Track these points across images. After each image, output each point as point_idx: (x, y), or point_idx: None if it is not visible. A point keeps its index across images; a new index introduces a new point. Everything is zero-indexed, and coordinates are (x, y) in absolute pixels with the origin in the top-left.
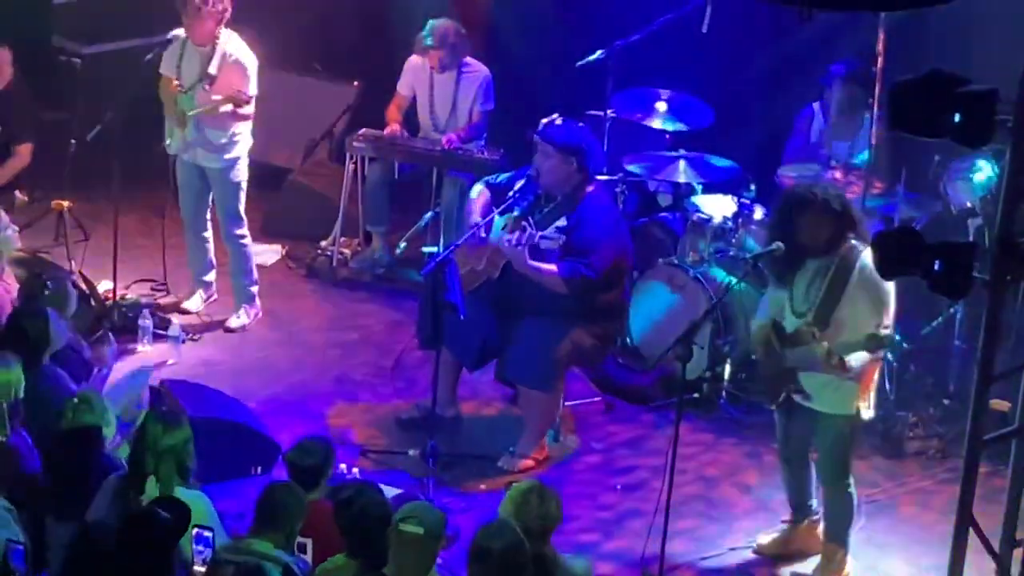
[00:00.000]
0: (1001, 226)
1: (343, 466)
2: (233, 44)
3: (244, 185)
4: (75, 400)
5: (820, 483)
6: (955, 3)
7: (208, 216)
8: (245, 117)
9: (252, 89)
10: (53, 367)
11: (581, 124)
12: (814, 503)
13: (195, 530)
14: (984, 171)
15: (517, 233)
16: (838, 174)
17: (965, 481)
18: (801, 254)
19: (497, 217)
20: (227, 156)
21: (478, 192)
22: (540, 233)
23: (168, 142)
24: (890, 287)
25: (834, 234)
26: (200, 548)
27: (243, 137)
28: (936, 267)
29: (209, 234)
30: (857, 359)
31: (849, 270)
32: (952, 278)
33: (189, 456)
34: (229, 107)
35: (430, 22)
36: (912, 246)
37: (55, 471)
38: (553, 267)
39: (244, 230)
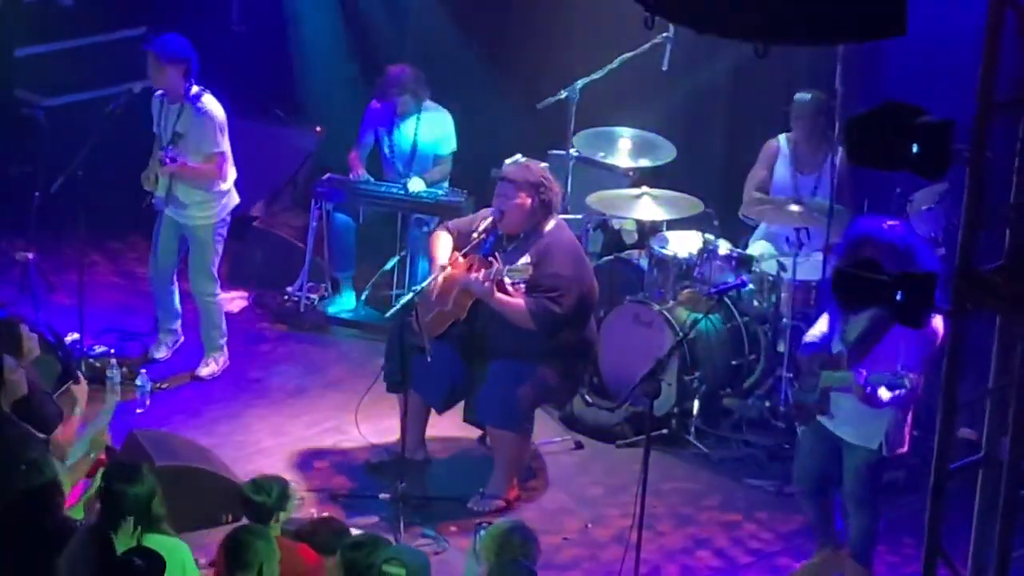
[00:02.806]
0: (961, 255)
1: (313, 511)
2: (204, 101)
3: (220, 245)
4: (24, 466)
5: (848, 508)
6: (912, 34)
7: (175, 269)
8: (215, 175)
9: (223, 146)
10: (12, 417)
11: (542, 163)
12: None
13: None
14: None
15: (484, 270)
16: (795, 207)
17: (932, 510)
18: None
19: (460, 259)
20: (204, 214)
21: (438, 236)
22: (508, 267)
23: (155, 196)
24: (936, 334)
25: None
26: None
27: (223, 196)
28: (898, 297)
29: (175, 286)
30: (887, 393)
31: None
32: (913, 308)
33: (156, 505)
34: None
35: (389, 68)
36: (873, 277)
37: (10, 537)
38: (521, 302)
39: (216, 288)
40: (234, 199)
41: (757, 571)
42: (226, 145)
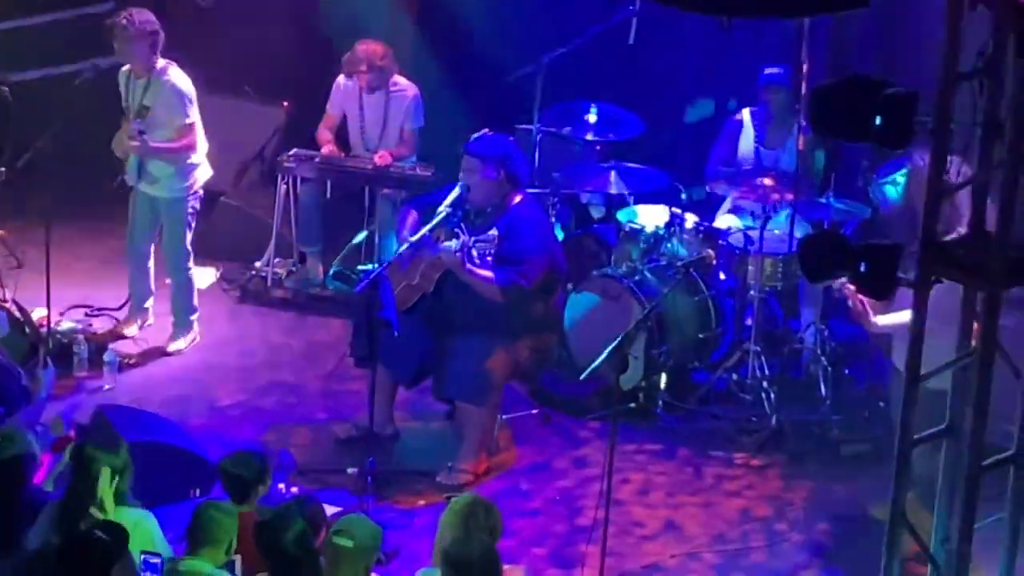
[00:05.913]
0: (925, 227)
1: (281, 485)
2: (170, 74)
3: (193, 219)
4: None
5: None
6: (875, 8)
7: (152, 247)
8: (184, 148)
9: (192, 117)
10: None
11: (509, 137)
12: None
13: (142, 556)
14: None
15: (453, 241)
16: (768, 181)
17: (897, 482)
18: None
19: (427, 232)
20: (176, 187)
21: (406, 213)
22: (474, 238)
23: (127, 173)
24: None
25: None
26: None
27: (195, 168)
28: (862, 269)
29: (151, 262)
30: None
31: None
32: (877, 279)
33: (126, 480)
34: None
35: (357, 43)
36: (838, 249)
37: None
38: (490, 274)
39: (190, 262)
40: (206, 172)
41: (726, 543)
42: (196, 116)
